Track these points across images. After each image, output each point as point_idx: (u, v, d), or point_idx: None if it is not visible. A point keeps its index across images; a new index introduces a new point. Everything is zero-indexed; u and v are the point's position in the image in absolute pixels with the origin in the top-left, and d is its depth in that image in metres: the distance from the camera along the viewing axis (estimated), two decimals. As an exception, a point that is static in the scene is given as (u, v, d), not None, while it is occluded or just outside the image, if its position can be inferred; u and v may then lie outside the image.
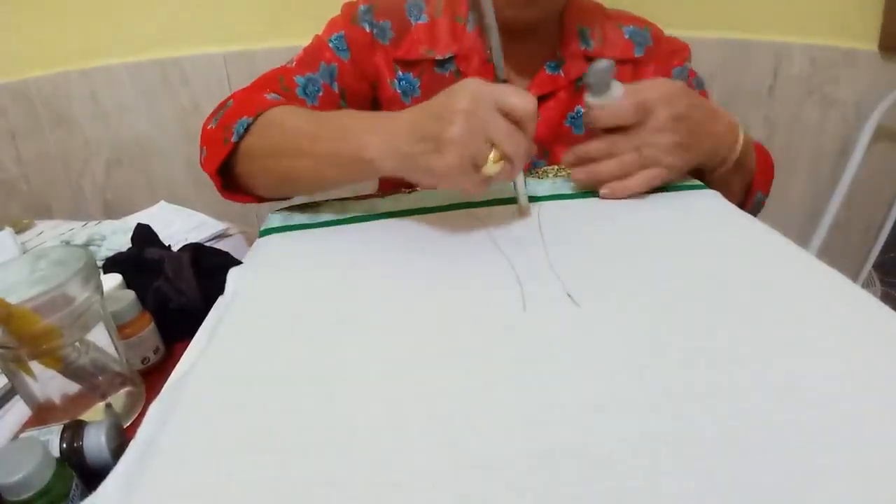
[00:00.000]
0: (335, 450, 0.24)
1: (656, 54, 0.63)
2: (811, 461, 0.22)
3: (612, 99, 0.46)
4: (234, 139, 0.49)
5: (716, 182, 0.52)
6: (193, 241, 0.69)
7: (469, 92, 0.38)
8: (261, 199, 0.55)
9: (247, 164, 0.51)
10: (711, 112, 0.49)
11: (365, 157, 0.42)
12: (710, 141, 0.48)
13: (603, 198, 0.47)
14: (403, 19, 0.62)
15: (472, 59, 0.61)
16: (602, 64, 0.45)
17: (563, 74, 0.61)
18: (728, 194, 0.51)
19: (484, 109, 0.38)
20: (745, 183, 0.56)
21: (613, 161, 0.46)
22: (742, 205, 0.54)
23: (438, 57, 0.61)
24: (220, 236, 0.79)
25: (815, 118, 1.13)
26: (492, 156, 0.38)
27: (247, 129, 0.49)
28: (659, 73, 0.63)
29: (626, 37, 0.63)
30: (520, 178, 0.44)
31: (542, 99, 0.62)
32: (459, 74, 0.62)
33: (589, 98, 0.47)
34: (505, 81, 0.45)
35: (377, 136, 0.42)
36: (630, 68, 0.63)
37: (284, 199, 0.55)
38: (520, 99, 0.38)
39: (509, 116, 0.38)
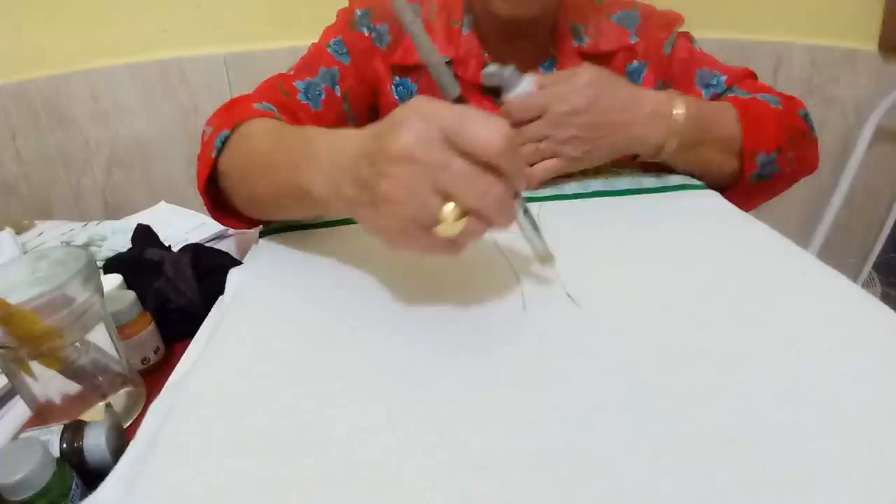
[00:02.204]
0: (335, 450, 0.24)
1: (645, 30, 0.63)
2: (811, 461, 0.22)
3: (518, 94, 0.49)
4: (213, 154, 0.46)
5: (684, 165, 0.53)
6: (193, 241, 0.69)
7: (412, 126, 0.28)
8: (249, 223, 0.49)
9: (224, 180, 0.46)
10: (627, 101, 0.49)
11: (313, 194, 0.34)
12: (622, 130, 0.49)
13: None
14: (399, 23, 0.61)
15: (469, 62, 0.60)
16: (489, 69, 0.49)
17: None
18: (714, 170, 0.53)
19: (430, 151, 0.27)
20: (729, 151, 0.53)
21: None
22: (744, 171, 0.52)
23: None
24: (220, 236, 0.79)
25: (815, 118, 1.12)
26: (448, 211, 0.28)
27: (224, 143, 0.46)
28: (649, 49, 0.63)
29: (618, 24, 0.63)
30: (525, 223, 0.35)
31: None
32: (457, 79, 0.61)
33: (504, 96, 0.50)
34: (460, 98, 0.38)
35: (322, 170, 0.34)
36: (627, 55, 0.63)
37: (266, 222, 0.49)
38: (483, 130, 0.27)
39: (471, 156, 0.27)
